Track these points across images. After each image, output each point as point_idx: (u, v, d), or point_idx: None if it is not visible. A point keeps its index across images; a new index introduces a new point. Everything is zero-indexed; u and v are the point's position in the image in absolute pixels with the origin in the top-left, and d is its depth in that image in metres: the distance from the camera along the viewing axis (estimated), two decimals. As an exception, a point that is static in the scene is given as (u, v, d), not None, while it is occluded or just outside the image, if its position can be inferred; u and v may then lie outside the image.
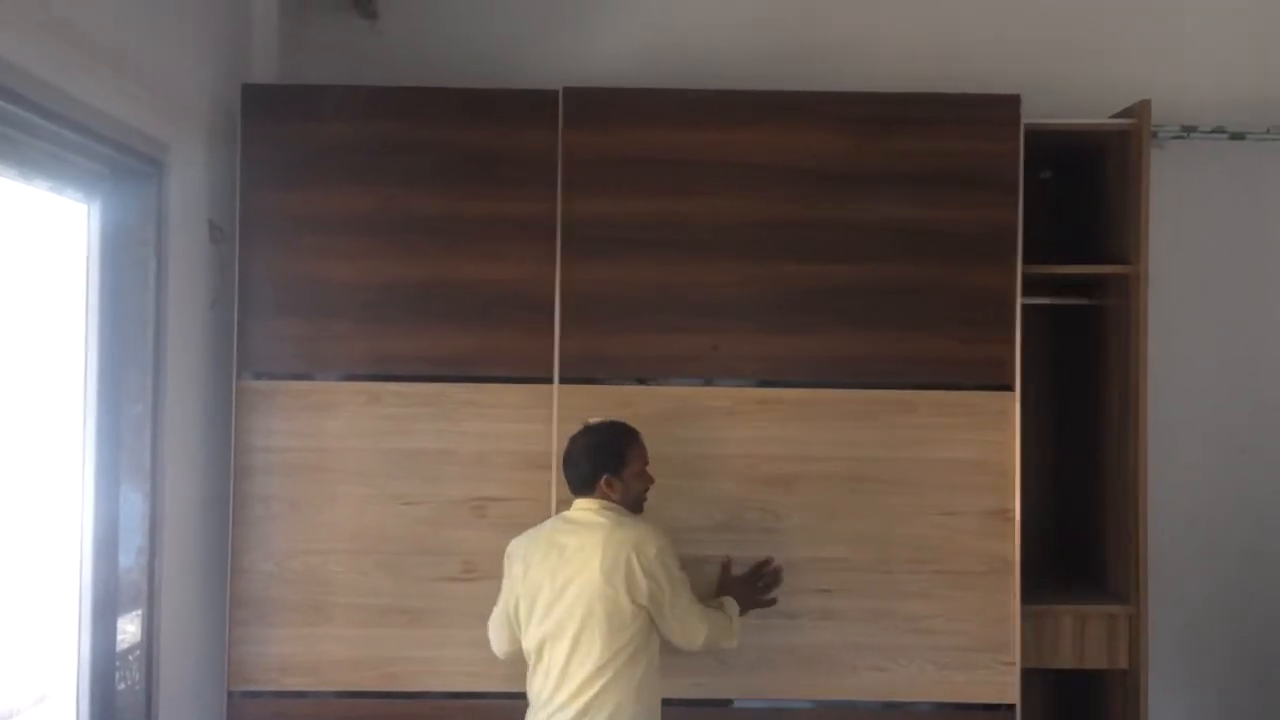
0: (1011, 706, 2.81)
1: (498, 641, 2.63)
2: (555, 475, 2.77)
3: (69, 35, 2.21)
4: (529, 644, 2.49)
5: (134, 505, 2.60)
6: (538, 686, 2.47)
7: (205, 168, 2.85)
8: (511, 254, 2.84)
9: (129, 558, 2.59)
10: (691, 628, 2.52)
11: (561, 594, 2.42)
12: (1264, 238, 3.39)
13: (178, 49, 2.72)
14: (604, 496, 2.52)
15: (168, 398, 2.65)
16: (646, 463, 2.58)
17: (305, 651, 2.80)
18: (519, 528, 2.76)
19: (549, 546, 2.48)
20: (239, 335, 2.84)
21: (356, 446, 2.82)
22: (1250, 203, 3.38)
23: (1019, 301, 2.82)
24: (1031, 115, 2.85)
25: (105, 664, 2.56)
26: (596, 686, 2.39)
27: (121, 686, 2.59)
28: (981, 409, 2.83)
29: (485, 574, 2.79)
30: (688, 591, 2.52)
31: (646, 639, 2.46)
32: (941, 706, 2.82)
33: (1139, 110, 2.91)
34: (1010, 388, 2.82)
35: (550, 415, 2.81)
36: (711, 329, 2.83)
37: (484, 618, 2.75)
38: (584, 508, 2.52)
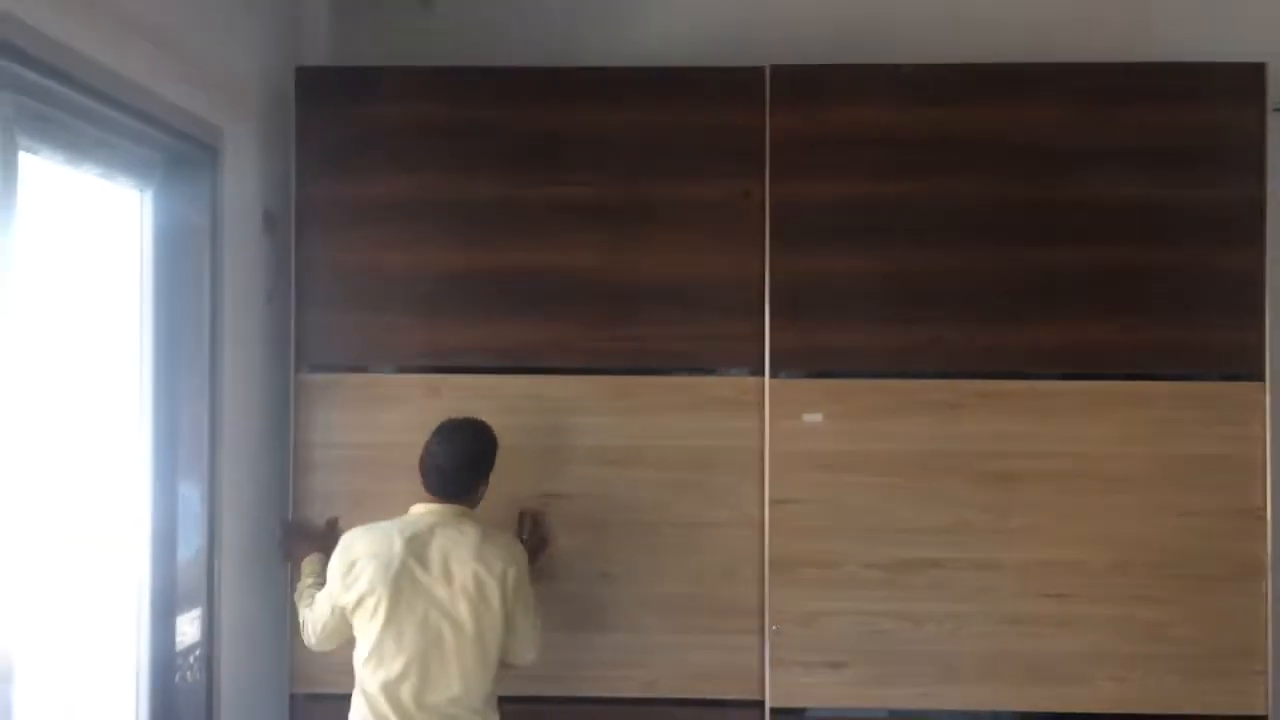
0: (1263, 718, 2.64)
1: (328, 638, 2.47)
2: (630, 470, 2.72)
3: (117, 14, 2.12)
4: (382, 650, 2.35)
5: (192, 503, 2.54)
6: (393, 690, 2.34)
7: (259, 154, 2.78)
8: (572, 241, 2.74)
9: (188, 556, 2.54)
10: (534, 639, 2.48)
11: (431, 605, 2.33)
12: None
13: (229, 30, 2.65)
14: (469, 503, 2.46)
15: (225, 393, 2.59)
16: None
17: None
18: (587, 526, 2.68)
19: (406, 553, 2.35)
20: (296, 328, 2.78)
21: (417, 441, 2.72)
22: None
23: (1268, 285, 2.65)
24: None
25: (165, 663, 2.51)
26: (473, 701, 2.35)
27: (182, 687, 2.52)
28: (1226, 400, 2.65)
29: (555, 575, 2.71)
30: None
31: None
32: (1185, 718, 2.65)
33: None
34: (1259, 377, 2.65)
35: (632, 407, 2.74)
36: (930, 319, 2.69)
37: (556, 616, 2.67)
38: (441, 513, 2.43)
